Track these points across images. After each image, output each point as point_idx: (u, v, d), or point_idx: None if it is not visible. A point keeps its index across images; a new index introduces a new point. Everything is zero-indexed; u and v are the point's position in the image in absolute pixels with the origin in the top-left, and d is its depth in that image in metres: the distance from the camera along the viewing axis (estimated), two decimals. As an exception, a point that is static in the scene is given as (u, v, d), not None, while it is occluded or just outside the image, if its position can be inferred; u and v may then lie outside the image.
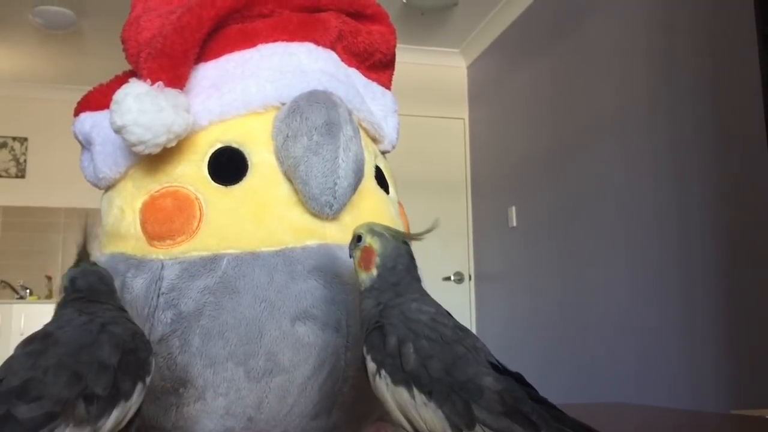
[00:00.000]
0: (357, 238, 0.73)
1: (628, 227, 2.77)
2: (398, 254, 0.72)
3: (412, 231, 0.77)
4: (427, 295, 0.71)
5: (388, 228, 0.74)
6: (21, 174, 5.21)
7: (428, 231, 0.72)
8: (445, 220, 4.28)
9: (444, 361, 0.61)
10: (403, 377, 0.61)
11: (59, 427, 0.51)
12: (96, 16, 4.05)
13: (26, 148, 5.24)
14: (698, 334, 2.35)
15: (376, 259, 0.71)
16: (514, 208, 3.84)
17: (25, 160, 5.22)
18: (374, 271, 0.71)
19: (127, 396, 0.58)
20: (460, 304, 4.35)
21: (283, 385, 0.81)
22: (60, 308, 0.66)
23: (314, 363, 0.81)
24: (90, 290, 0.68)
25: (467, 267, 4.44)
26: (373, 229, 0.73)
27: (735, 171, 2.23)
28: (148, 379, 0.62)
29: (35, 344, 0.58)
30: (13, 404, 0.51)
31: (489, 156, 4.27)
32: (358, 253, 0.72)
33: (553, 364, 3.36)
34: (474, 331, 4.14)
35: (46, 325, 0.62)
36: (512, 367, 0.63)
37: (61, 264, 5.13)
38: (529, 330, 3.64)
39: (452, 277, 4.39)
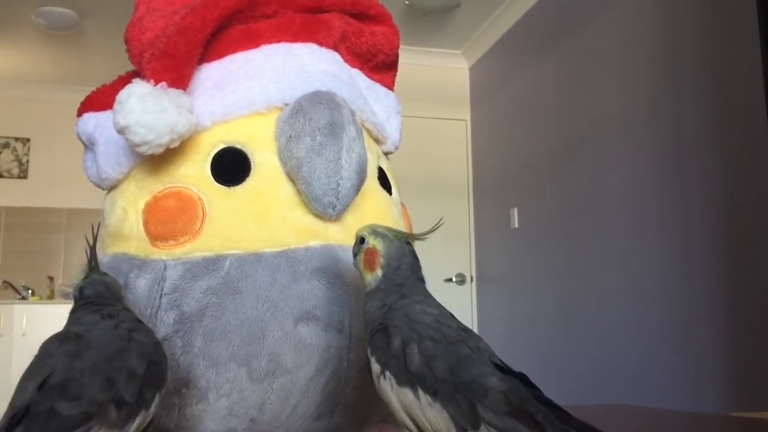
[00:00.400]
0: (360, 240, 0.73)
1: (630, 229, 2.77)
2: (402, 254, 0.72)
3: (415, 232, 0.77)
4: (431, 296, 0.71)
5: (390, 229, 0.74)
6: (23, 174, 5.21)
7: (431, 231, 0.72)
8: (447, 221, 4.26)
9: (448, 362, 0.61)
10: (408, 378, 0.61)
11: (94, 428, 0.55)
12: (98, 16, 4.05)
13: (28, 149, 5.24)
14: (699, 336, 2.35)
15: (380, 260, 0.71)
16: (515, 210, 3.84)
17: (27, 161, 5.23)
18: (379, 272, 0.71)
19: (148, 405, 0.61)
20: (462, 306, 4.34)
21: (285, 386, 0.81)
22: (73, 313, 0.69)
23: (317, 364, 0.81)
24: (97, 296, 0.71)
25: (469, 268, 4.43)
26: (375, 230, 0.73)
27: (736, 174, 2.23)
28: (164, 391, 0.65)
29: (69, 345, 0.60)
30: (56, 401, 0.55)
31: (491, 157, 4.27)
32: (362, 255, 0.73)
33: (554, 366, 3.36)
34: (475, 332, 4.13)
35: (73, 326, 0.64)
36: (514, 368, 0.63)
37: (63, 264, 5.13)
38: (530, 331, 3.64)
39: (454, 279, 4.39)
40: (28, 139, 5.25)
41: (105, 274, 0.75)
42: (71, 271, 5.05)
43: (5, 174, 5.18)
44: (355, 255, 0.74)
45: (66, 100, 5.03)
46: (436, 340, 0.62)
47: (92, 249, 0.77)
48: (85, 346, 0.60)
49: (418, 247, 0.76)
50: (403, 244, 0.72)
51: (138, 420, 0.59)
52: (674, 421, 1.20)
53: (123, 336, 0.62)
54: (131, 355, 0.61)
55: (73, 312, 0.69)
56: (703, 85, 2.39)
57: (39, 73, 4.99)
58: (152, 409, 0.62)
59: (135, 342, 0.62)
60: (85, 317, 0.66)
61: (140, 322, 0.69)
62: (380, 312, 0.68)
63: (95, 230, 0.80)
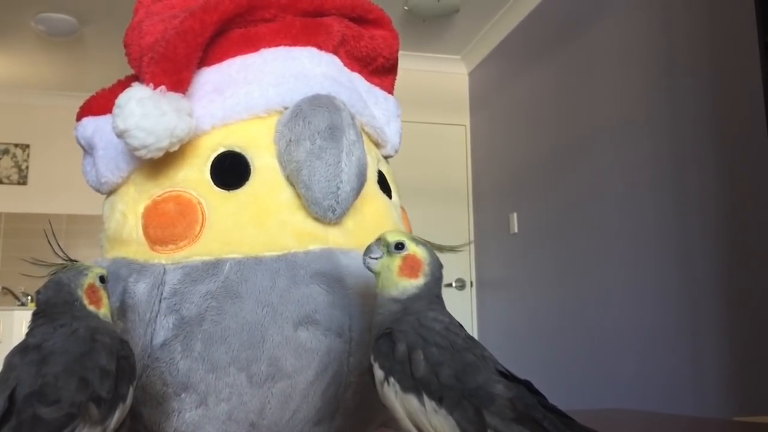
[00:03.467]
0: (397, 245, 0.71)
1: (629, 233, 2.76)
2: (440, 265, 0.72)
3: (420, 238, 0.76)
4: (444, 305, 0.71)
5: (421, 238, 0.74)
6: (23, 181, 5.21)
7: (462, 246, 0.72)
8: (447, 226, 4.27)
9: (454, 368, 0.60)
10: (413, 384, 0.61)
11: (78, 427, 0.58)
12: (98, 22, 4.05)
13: (28, 155, 5.24)
14: (700, 340, 2.35)
15: (425, 268, 0.71)
16: (515, 215, 3.83)
17: (27, 167, 5.22)
18: (421, 280, 0.70)
19: (125, 398, 0.65)
20: (462, 311, 4.34)
21: (285, 390, 0.80)
22: (32, 319, 0.71)
23: (317, 368, 0.81)
24: (47, 303, 0.71)
25: (469, 273, 4.43)
26: (414, 238, 0.72)
27: (735, 178, 2.23)
28: (135, 383, 0.68)
29: (32, 355, 0.63)
30: (37, 407, 0.57)
31: (490, 162, 4.27)
32: (398, 261, 0.71)
33: (554, 370, 3.35)
34: (475, 337, 4.12)
35: (30, 338, 0.67)
36: (516, 374, 0.63)
37: (62, 270, 5.13)
38: (530, 336, 3.63)
39: (453, 284, 4.39)
40: (27, 146, 5.25)
41: (64, 268, 0.75)
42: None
43: (5, 180, 5.18)
44: (369, 256, 0.73)
45: (65, 106, 5.03)
46: (442, 347, 0.62)
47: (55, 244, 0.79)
48: (48, 353, 0.62)
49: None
50: (436, 254, 0.73)
51: (117, 413, 0.63)
52: (675, 425, 1.20)
53: (86, 338, 0.65)
54: (100, 354, 0.64)
55: (33, 316, 0.71)
56: (701, 89, 2.39)
57: (38, 80, 4.99)
58: (128, 401, 0.66)
59: (100, 342, 0.65)
60: (38, 329, 0.68)
61: (96, 327, 0.69)
62: (394, 317, 0.68)
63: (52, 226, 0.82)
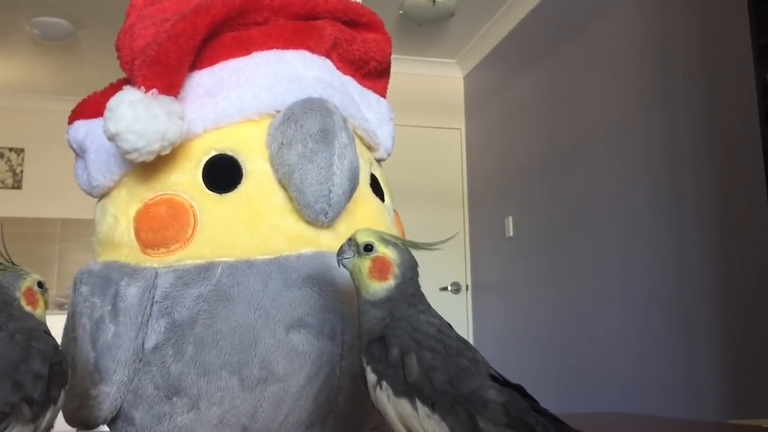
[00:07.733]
0: (366, 247, 0.69)
1: (624, 237, 2.77)
2: (413, 264, 0.70)
3: (412, 240, 0.74)
4: (431, 307, 0.70)
5: (394, 236, 0.71)
6: (17, 185, 5.20)
7: (443, 242, 0.69)
8: (442, 230, 4.25)
9: (447, 373, 0.60)
10: (406, 389, 0.60)
11: (11, 424, 0.62)
12: (93, 26, 4.05)
13: (23, 159, 5.23)
14: (695, 343, 2.35)
15: (395, 270, 0.68)
16: (510, 219, 3.83)
17: (21, 171, 5.21)
18: (392, 282, 0.68)
19: (56, 401, 0.68)
20: (457, 315, 4.34)
21: (277, 394, 0.80)
22: None
23: (309, 372, 0.80)
24: None
25: (464, 277, 4.43)
26: (383, 238, 0.70)
27: (730, 181, 2.23)
28: (67, 387, 0.71)
29: None
30: None
31: (485, 166, 4.27)
32: (367, 262, 0.69)
33: (549, 374, 3.35)
34: (471, 341, 4.13)
35: None
36: (509, 376, 0.63)
37: (57, 275, 5.11)
38: (525, 339, 3.63)
39: (449, 287, 4.38)
40: (22, 150, 5.24)
41: (3, 271, 0.77)
42: (65, 281, 5.02)
43: (-1, 184, 5.17)
44: (342, 257, 0.71)
45: (60, 110, 4.99)
46: (435, 350, 0.62)
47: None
48: None
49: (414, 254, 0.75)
50: (411, 253, 0.70)
51: (49, 414, 0.67)
52: (670, 428, 1.20)
53: (22, 345, 0.68)
54: (34, 359, 0.67)
55: None
56: (696, 92, 2.40)
57: (33, 84, 4.99)
58: (59, 403, 0.69)
59: (35, 348, 0.68)
60: None
61: (33, 330, 0.72)
62: (382, 323, 0.66)
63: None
